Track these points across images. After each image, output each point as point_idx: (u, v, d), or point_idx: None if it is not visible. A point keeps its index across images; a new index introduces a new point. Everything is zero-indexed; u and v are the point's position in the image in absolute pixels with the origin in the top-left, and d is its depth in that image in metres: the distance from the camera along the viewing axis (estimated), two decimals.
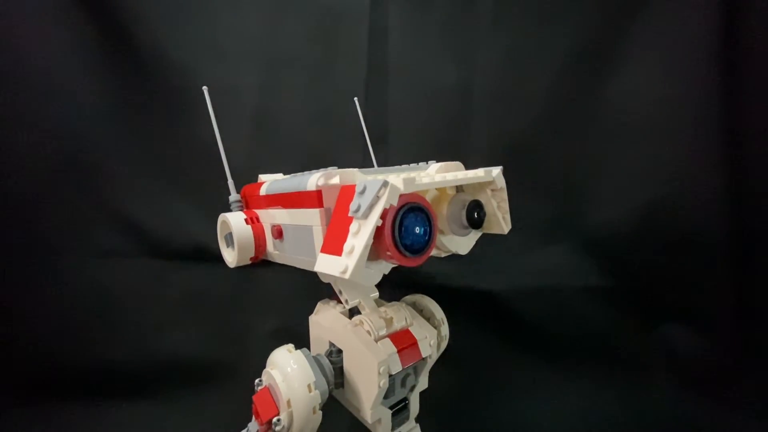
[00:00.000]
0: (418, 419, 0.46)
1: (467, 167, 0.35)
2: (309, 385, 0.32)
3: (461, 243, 0.35)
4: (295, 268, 0.34)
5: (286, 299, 0.70)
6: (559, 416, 0.65)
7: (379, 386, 0.33)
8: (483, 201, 0.33)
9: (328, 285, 0.35)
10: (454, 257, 0.65)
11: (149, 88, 0.66)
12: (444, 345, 0.44)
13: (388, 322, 0.38)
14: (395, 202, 0.24)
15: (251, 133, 0.66)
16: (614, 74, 0.66)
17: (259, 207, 0.36)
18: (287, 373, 0.32)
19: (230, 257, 0.37)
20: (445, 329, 0.44)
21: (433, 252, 0.35)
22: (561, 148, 0.67)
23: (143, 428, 0.62)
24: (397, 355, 0.34)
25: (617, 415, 0.64)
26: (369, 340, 0.35)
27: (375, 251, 0.27)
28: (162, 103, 0.66)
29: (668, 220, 0.66)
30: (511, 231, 0.70)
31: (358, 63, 0.68)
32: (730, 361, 0.67)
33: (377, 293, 0.40)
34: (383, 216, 0.24)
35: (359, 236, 0.23)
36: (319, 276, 0.43)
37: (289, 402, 0.31)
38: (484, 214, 0.31)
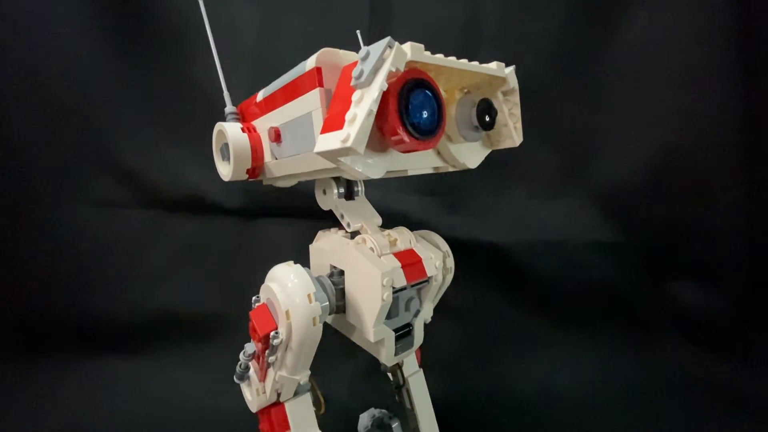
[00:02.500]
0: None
1: None
2: (309, 296, 0.30)
3: (470, 155, 0.33)
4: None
5: (287, 251, 0.68)
6: (565, 372, 0.64)
7: (383, 299, 0.31)
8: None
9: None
10: (459, 207, 0.63)
11: (146, 31, 0.64)
12: (449, 278, 0.43)
13: (392, 242, 0.36)
14: (402, 67, 0.22)
15: (251, 71, 0.64)
16: (629, 17, 0.63)
17: (256, 117, 0.34)
18: (287, 285, 0.31)
19: (225, 170, 0.35)
20: (450, 261, 0.42)
21: (440, 164, 0.34)
22: (570, 93, 0.64)
23: (142, 381, 0.62)
24: (401, 270, 0.33)
25: (625, 372, 0.63)
26: (372, 255, 0.33)
27: (379, 141, 0.25)
28: (160, 48, 0.64)
29: (681, 171, 0.64)
30: (517, 183, 0.69)
31: (362, 1, 0.65)
32: (743, 316, 0.65)
33: (380, 219, 0.39)
34: (388, 88, 0.22)
35: (362, 103, 0.21)
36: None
37: (287, 313, 0.30)
38: (496, 113, 0.29)
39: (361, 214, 0.38)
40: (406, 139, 0.23)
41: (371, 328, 0.33)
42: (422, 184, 0.65)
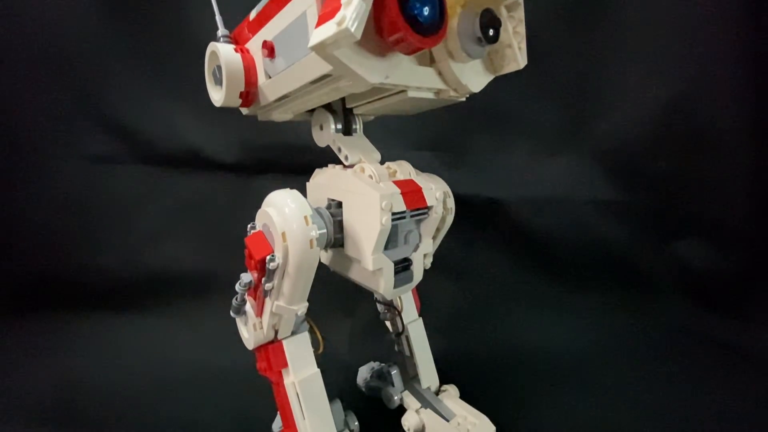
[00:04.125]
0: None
1: None
2: (305, 217, 0.29)
3: (473, 78, 0.32)
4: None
5: None
6: (564, 330, 0.63)
7: (381, 223, 0.30)
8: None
9: None
10: (459, 163, 0.62)
11: None
12: (449, 219, 0.42)
13: (392, 173, 0.35)
14: None
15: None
16: None
17: (249, 38, 0.33)
18: (283, 210, 0.30)
19: (217, 95, 0.34)
20: (450, 202, 0.41)
21: (442, 86, 0.32)
22: (573, 43, 0.63)
23: (139, 338, 0.61)
24: (400, 195, 0.32)
25: (625, 330, 0.63)
26: (371, 181, 0.32)
27: (377, 44, 0.24)
28: None
29: (685, 124, 0.62)
30: (519, 138, 0.67)
31: None
32: (747, 274, 0.64)
33: (379, 155, 0.37)
34: None
35: None
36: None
37: (284, 235, 0.29)
38: (500, 24, 0.28)
39: (359, 148, 0.37)
40: (405, 32, 0.22)
41: (370, 255, 0.32)
42: (422, 140, 0.64)
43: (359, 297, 0.68)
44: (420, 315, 0.49)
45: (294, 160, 0.61)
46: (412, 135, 0.64)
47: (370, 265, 0.32)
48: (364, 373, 0.52)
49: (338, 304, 0.66)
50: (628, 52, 0.62)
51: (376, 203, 0.30)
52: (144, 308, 0.63)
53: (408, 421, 0.43)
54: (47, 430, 0.43)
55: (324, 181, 0.37)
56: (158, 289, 0.64)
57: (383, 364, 0.51)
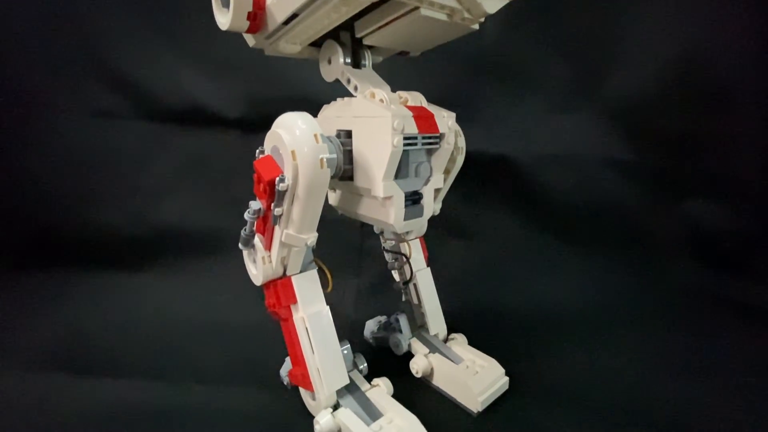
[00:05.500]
0: None
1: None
2: (316, 135, 0.29)
3: None
4: None
5: None
6: (571, 289, 0.63)
7: (393, 144, 0.30)
8: None
9: None
10: (469, 118, 0.60)
11: None
12: (460, 160, 0.41)
13: (403, 101, 0.34)
14: None
15: None
16: None
17: None
18: (293, 129, 0.29)
19: (224, 18, 0.33)
20: (462, 141, 0.41)
21: (455, 5, 0.31)
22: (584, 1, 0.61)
23: (142, 295, 0.61)
24: (412, 118, 0.31)
25: (633, 290, 0.62)
26: (381, 104, 0.31)
27: None
28: None
29: (698, 81, 0.61)
30: (529, 94, 0.66)
31: None
32: (760, 232, 0.63)
33: (389, 87, 0.37)
34: None
35: None
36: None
37: (293, 153, 0.28)
38: None
39: (369, 79, 0.36)
40: None
41: (380, 181, 0.31)
42: (430, 94, 0.62)
43: (365, 257, 0.68)
44: (428, 265, 0.48)
45: None
46: (420, 89, 0.63)
47: (381, 192, 0.31)
48: (371, 326, 0.52)
49: (344, 262, 0.65)
50: (641, 5, 0.60)
51: (387, 124, 0.29)
52: (148, 265, 0.63)
53: (416, 364, 0.43)
54: (53, 376, 0.44)
55: (333, 113, 0.36)
56: (163, 246, 0.64)
57: (390, 317, 0.51)
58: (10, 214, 0.62)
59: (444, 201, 0.44)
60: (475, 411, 0.39)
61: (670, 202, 0.65)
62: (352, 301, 0.62)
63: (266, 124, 0.31)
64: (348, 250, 0.67)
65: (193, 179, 0.65)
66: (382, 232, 0.48)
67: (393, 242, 0.47)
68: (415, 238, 0.48)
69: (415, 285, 0.47)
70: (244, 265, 0.37)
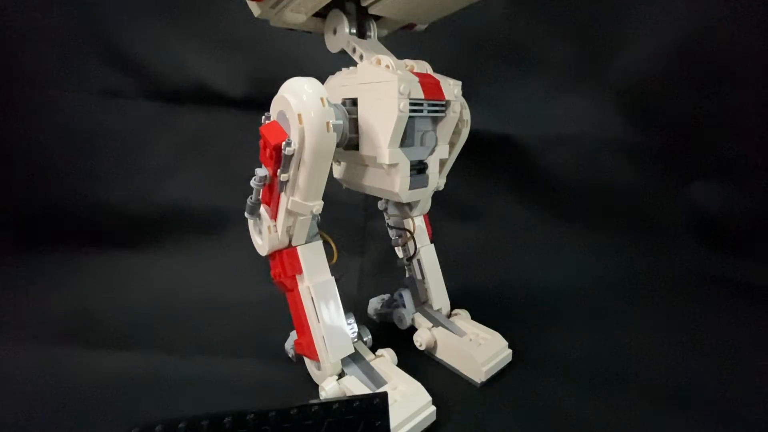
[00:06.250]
0: None
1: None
2: (322, 99, 0.29)
3: None
4: None
5: None
6: (575, 271, 0.62)
7: (399, 109, 0.30)
8: None
9: None
10: (474, 97, 0.60)
11: None
12: (465, 133, 0.41)
13: (409, 68, 0.34)
14: None
15: None
16: None
17: None
18: (300, 94, 0.29)
19: None
20: (467, 114, 0.40)
21: None
22: None
23: (147, 274, 0.61)
24: (419, 84, 0.31)
25: (638, 272, 0.62)
26: (387, 69, 0.31)
27: None
28: None
29: (704, 60, 0.60)
30: (532, 73, 0.65)
31: None
32: (764, 213, 0.63)
33: (395, 58, 0.36)
34: None
35: None
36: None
37: (300, 117, 0.28)
38: None
39: (374, 49, 0.36)
40: None
41: (386, 147, 0.31)
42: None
43: (368, 237, 0.68)
44: (432, 242, 0.48)
45: None
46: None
47: (387, 158, 0.31)
48: (374, 303, 0.52)
49: (348, 243, 0.66)
50: None
51: (394, 88, 0.29)
52: (153, 243, 0.63)
53: (420, 337, 0.43)
54: (61, 349, 0.44)
55: (338, 82, 0.36)
56: (167, 224, 0.64)
57: (393, 294, 0.51)
58: (15, 193, 0.63)
59: (448, 181, 0.44)
60: (479, 381, 0.39)
61: (675, 182, 0.65)
62: (355, 281, 0.62)
63: (270, 103, 0.31)
64: (351, 231, 0.67)
65: (197, 158, 0.65)
66: (386, 209, 0.48)
67: (397, 217, 0.47)
68: (419, 215, 0.48)
69: (419, 261, 0.47)
70: (247, 242, 0.37)
